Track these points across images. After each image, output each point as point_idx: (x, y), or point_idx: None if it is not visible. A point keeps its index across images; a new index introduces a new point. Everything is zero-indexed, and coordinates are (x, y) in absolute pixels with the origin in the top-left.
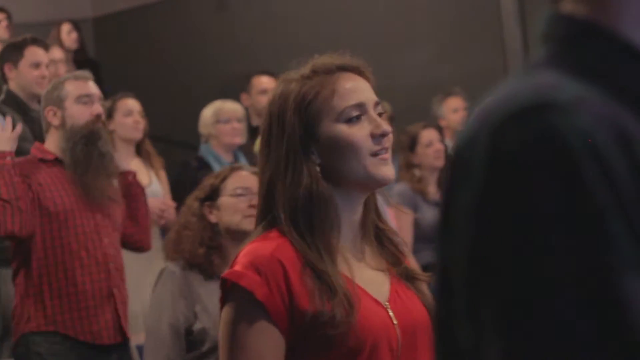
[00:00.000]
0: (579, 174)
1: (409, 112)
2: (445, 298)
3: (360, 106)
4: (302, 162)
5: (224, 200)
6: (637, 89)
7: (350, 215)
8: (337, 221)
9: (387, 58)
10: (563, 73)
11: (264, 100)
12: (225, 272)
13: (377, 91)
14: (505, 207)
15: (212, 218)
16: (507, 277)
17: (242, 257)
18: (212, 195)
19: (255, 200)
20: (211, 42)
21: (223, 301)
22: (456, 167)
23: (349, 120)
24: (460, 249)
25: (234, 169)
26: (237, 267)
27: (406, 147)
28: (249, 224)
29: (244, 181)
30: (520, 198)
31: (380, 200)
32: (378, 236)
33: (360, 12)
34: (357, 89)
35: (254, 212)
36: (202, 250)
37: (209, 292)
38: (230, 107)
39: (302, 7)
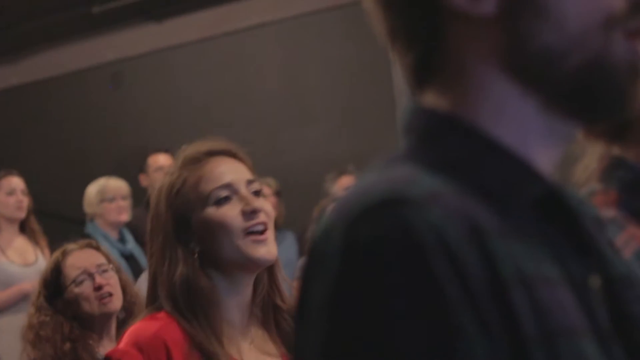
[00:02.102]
0: (429, 270)
1: (303, 188)
2: None
3: (229, 186)
4: (178, 251)
5: (70, 292)
6: (494, 184)
7: (237, 298)
8: (222, 305)
9: (281, 135)
10: (421, 167)
11: (161, 178)
12: (108, 351)
13: (271, 168)
14: (357, 302)
15: (70, 313)
16: None
17: (127, 336)
18: (58, 290)
19: (102, 278)
20: (106, 118)
21: None
22: (312, 259)
23: (218, 202)
24: (314, 343)
25: (65, 253)
26: (121, 346)
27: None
28: (107, 307)
29: (79, 263)
30: (371, 293)
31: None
32: (276, 316)
33: (255, 89)
34: (224, 171)
35: (107, 289)
36: (68, 346)
37: None
38: (114, 184)
39: (198, 85)
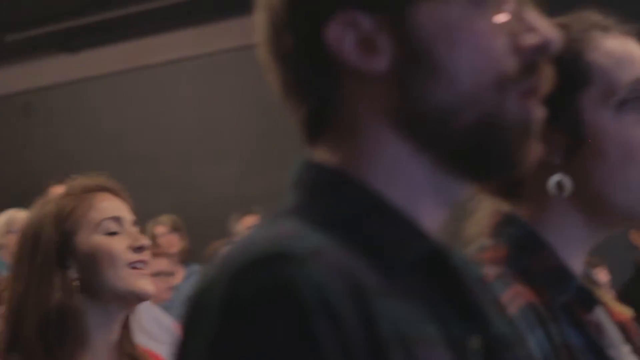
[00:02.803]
0: (308, 327)
1: (211, 225)
2: None
3: (118, 220)
4: (56, 275)
5: None
6: (378, 242)
7: (106, 335)
8: (89, 340)
9: (193, 171)
10: (307, 222)
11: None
12: None
13: (181, 202)
14: (234, 358)
15: None
16: None
17: None
18: None
19: None
20: (16, 148)
21: None
22: (192, 312)
23: (107, 232)
24: None
25: None
26: None
27: None
28: None
29: None
30: (249, 350)
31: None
32: None
33: (169, 124)
34: (114, 206)
35: None
36: None
37: None
38: (22, 216)
39: (111, 118)
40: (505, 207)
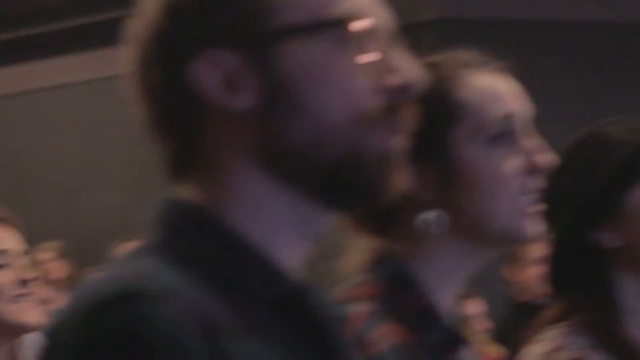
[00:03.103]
0: None
1: (97, 253)
2: None
3: (5, 253)
4: None
5: None
6: (236, 281)
7: None
8: None
9: (80, 198)
10: (165, 260)
11: None
12: None
13: (67, 230)
14: None
15: None
16: None
17: None
18: None
19: None
20: None
21: None
22: (48, 349)
23: None
24: None
25: None
26: None
27: None
28: None
29: None
30: None
31: None
32: None
33: (55, 150)
34: (2, 239)
35: None
36: None
37: None
38: None
39: None
40: (381, 244)
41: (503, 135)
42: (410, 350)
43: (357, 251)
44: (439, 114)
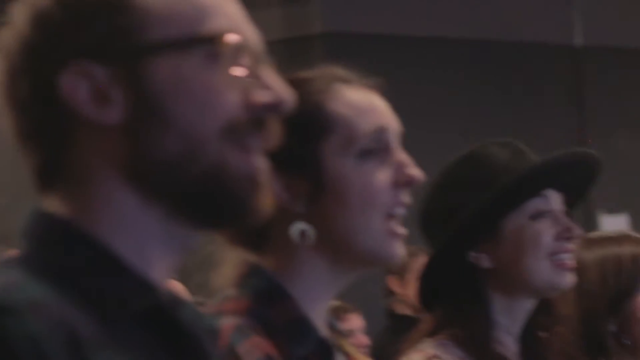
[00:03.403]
0: None
1: None
2: None
3: None
4: None
5: None
6: (101, 294)
7: None
8: None
9: None
10: (30, 273)
11: None
12: None
13: None
14: None
15: None
16: None
17: None
18: None
19: None
20: None
21: None
22: None
23: None
24: None
25: None
26: None
27: None
28: None
29: None
30: None
31: None
32: None
33: None
34: None
35: None
36: None
37: None
38: None
39: None
40: (251, 257)
41: (373, 149)
42: None
43: (229, 264)
44: (310, 127)
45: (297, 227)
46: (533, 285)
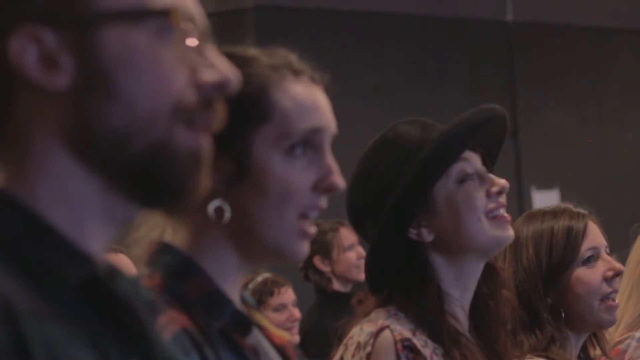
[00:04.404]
0: None
1: None
2: None
3: None
4: None
5: None
6: (36, 265)
7: None
8: None
9: None
10: None
11: None
12: None
13: None
14: None
15: None
16: None
17: None
18: None
19: None
20: None
21: None
22: None
23: None
24: None
25: None
26: None
27: None
28: None
29: None
30: None
31: None
32: None
33: None
34: None
35: None
36: None
37: None
38: None
39: None
40: (163, 234)
41: (304, 147)
42: (195, 336)
43: (142, 242)
44: (249, 111)
45: (215, 204)
46: (478, 245)
